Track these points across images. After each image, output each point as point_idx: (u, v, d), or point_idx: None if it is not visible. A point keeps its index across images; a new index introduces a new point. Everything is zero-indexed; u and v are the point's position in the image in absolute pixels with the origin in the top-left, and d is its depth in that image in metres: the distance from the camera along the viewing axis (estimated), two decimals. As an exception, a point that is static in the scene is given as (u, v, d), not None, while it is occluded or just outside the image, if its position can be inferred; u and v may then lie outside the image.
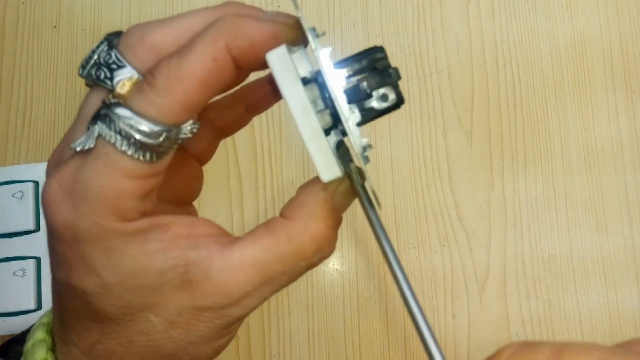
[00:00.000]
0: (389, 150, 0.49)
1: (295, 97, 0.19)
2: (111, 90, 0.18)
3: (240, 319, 0.21)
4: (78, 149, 0.18)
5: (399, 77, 0.20)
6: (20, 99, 0.49)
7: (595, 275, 0.47)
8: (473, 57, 0.51)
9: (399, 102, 0.20)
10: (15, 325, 0.42)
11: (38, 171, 0.44)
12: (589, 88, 0.50)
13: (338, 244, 0.47)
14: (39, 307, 0.42)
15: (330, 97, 0.19)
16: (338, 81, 0.19)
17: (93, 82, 0.19)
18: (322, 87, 0.19)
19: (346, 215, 0.47)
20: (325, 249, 0.21)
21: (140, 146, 0.17)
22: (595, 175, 0.49)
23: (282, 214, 0.21)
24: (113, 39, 0.19)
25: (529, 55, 0.51)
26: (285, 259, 0.20)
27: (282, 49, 0.19)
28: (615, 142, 0.49)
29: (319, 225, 0.20)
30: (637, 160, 0.49)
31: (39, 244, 0.42)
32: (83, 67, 0.19)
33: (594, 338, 0.46)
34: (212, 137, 0.25)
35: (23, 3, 0.50)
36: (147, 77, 0.18)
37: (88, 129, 0.18)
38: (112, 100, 0.18)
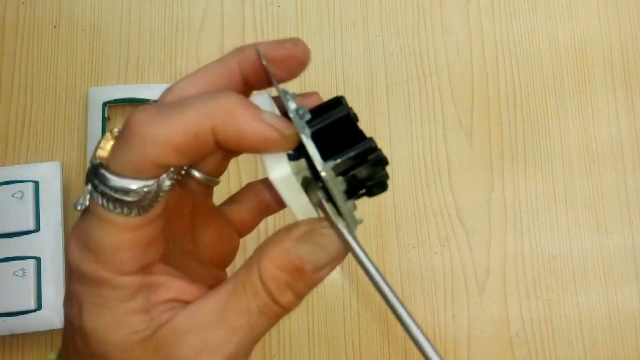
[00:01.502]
0: (389, 150, 0.49)
1: (301, 208, 0.20)
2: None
3: None
4: (78, 208, 0.19)
5: (387, 163, 0.21)
6: (20, 99, 0.49)
7: (595, 275, 0.47)
8: (473, 57, 0.51)
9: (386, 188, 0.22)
10: (15, 326, 0.42)
11: (38, 171, 0.44)
12: (589, 88, 0.50)
13: (338, 244, 0.47)
14: (39, 307, 0.42)
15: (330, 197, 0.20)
16: (338, 187, 0.20)
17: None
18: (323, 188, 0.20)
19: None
20: (275, 291, 0.20)
21: (124, 203, 0.18)
22: (595, 175, 0.49)
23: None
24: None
25: (529, 55, 0.51)
26: (238, 292, 0.20)
27: (286, 171, 0.19)
28: (615, 142, 0.49)
29: (265, 261, 0.19)
30: (637, 160, 0.49)
31: (39, 244, 0.42)
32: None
33: (594, 338, 0.46)
34: (256, 213, 0.27)
35: (23, 3, 0.50)
36: (123, 132, 0.18)
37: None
38: (95, 162, 0.19)
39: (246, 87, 0.22)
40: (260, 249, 0.20)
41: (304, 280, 0.21)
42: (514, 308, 0.46)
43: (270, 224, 0.47)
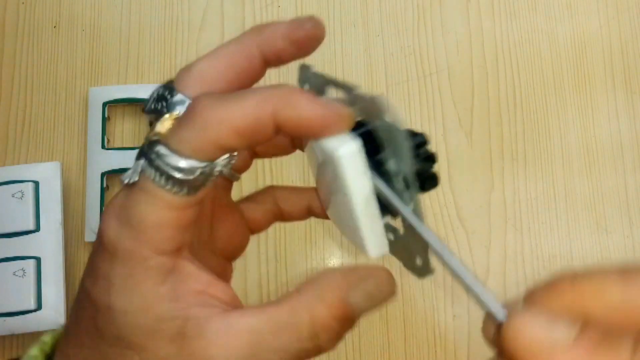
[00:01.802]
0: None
1: (362, 191, 0.20)
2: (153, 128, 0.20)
3: None
4: (125, 182, 0.19)
5: (435, 160, 0.22)
6: (20, 99, 0.49)
7: (595, 275, 0.47)
8: (473, 57, 0.51)
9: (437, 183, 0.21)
10: (15, 326, 0.42)
11: (38, 171, 0.44)
12: (589, 88, 0.50)
13: (338, 244, 0.47)
14: (39, 307, 0.42)
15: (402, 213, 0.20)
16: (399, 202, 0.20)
17: (154, 116, 0.21)
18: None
19: (346, 215, 0.47)
20: (322, 338, 0.19)
21: (176, 181, 0.18)
22: (595, 175, 0.49)
23: (296, 288, 0.20)
24: (171, 81, 0.21)
25: (529, 55, 0.51)
26: (280, 332, 0.19)
27: (356, 146, 0.19)
28: (615, 142, 0.49)
29: (322, 309, 0.19)
30: (637, 160, 0.49)
31: (39, 244, 0.42)
32: (146, 102, 0.21)
33: (594, 338, 0.46)
34: (270, 216, 0.27)
35: (23, 3, 0.50)
36: (188, 112, 0.19)
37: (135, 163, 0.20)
38: (153, 138, 0.19)
39: (264, 67, 0.22)
40: (315, 291, 0.19)
41: (348, 327, 0.20)
42: (514, 308, 0.46)
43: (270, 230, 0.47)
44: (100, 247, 0.20)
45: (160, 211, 0.19)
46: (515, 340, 0.14)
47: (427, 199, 0.48)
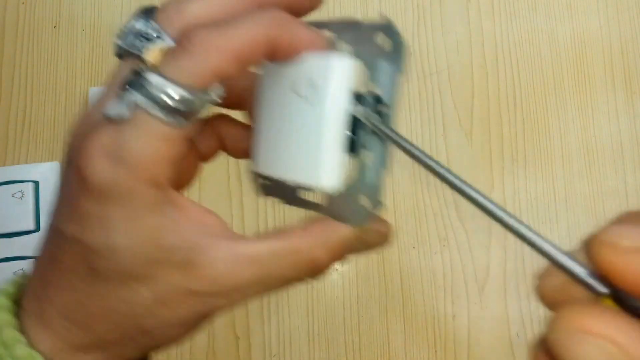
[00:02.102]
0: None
1: (340, 109, 0.20)
2: (141, 59, 0.19)
3: (219, 311, 0.21)
4: (112, 114, 0.18)
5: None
6: (20, 99, 0.49)
7: (595, 275, 0.47)
8: (473, 57, 0.51)
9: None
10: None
11: (38, 171, 0.44)
12: (589, 88, 0.50)
13: (338, 244, 0.47)
14: (39, 307, 0.42)
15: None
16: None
17: (126, 53, 0.20)
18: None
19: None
20: (316, 274, 0.21)
21: (172, 111, 0.18)
22: (595, 175, 0.49)
23: (304, 224, 0.21)
24: (150, 12, 0.20)
25: (529, 55, 0.51)
26: (281, 263, 0.20)
27: (351, 62, 0.20)
28: (615, 142, 0.49)
29: (323, 254, 0.21)
30: (637, 160, 0.49)
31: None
32: (120, 37, 0.20)
33: (594, 338, 0.46)
34: (217, 146, 0.26)
35: (23, 3, 0.50)
36: (182, 42, 0.19)
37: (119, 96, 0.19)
38: (143, 68, 0.19)
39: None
40: (321, 235, 0.21)
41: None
42: (514, 308, 0.46)
43: (270, 225, 0.47)
44: (84, 189, 0.19)
45: (157, 144, 0.18)
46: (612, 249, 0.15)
47: (428, 198, 0.48)
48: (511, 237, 0.51)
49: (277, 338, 0.46)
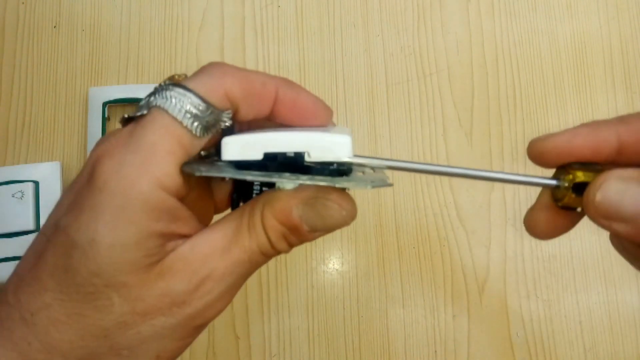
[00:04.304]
0: (389, 150, 0.49)
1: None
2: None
3: (197, 321, 0.20)
4: (138, 113, 0.20)
5: None
6: (20, 99, 0.49)
7: (595, 275, 0.47)
8: (473, 57, 0.51)
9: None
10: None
11: (38, 171, 0.44)
12: (589, 88, 0.50)
13: (338, 244, 0.47)
14: (39, 307, 0.42)
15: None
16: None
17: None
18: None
19: (346, 215, 0.47)
20: (273, 239, 0.21)
21: (190, 116, 0.19)
22: (595, 175, 0.49)
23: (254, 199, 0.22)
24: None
25: (529, 55, 0.51)
26: (242, 235, 0.21)
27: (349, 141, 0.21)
28: (615, 142, 0.49)
29: (269, 213, 0.21)
30: (637, 160, 0.49)
31: (39, 244, 0.42)
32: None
33: (593, 338, 0.46)
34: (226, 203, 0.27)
35: (23, 3, 0.50)
36: (201, 70, 0.21)
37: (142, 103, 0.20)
38: (167, 82, 0.20)
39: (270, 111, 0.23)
40: (266, 200, 0.21)
41: (298, 236, 0.21)
42: (514, 308, 0.46)
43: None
44: (89, 182, 0.19)
45: (172, 141, 0.19)
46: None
47: (428, 198, 0.48)
48: (511, 237, 0.51)
49: (277, 338, 0.46)
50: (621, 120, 0.21)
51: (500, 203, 0.48)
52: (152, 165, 0.19)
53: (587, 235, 0.47)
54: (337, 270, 0.47)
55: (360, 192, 0.47)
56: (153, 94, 0.20)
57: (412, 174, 0.48)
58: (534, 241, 0.47)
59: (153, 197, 0.19)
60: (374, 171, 0.22)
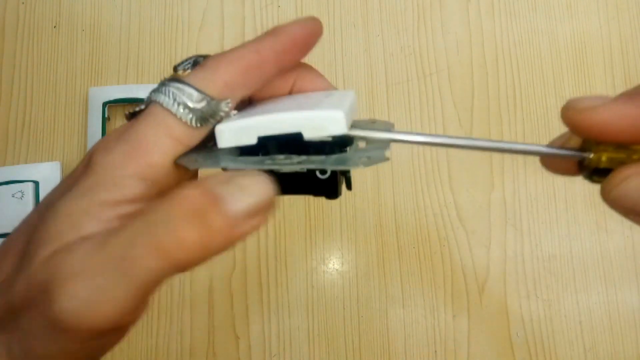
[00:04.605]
0: (389, 150, 0.49)
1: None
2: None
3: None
4: (138, 109, 0.21)
5: None
6: (20, 99, 0.49)
7: (595, 275, 0.47)
8: (473, 57, 0.51)
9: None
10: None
11: (38, 171, 0.44)
12: (589, 88, 0.50)
13: (338, 244, 0.47)
14: (39, 307, 0.42)
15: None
16: None
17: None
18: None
19: (346, 215, 0.47)
20: (200, 215, 0.17)
21: (184, 107, 0.20)
22: (595, 175, 0.49)
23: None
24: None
25: (529, 55, 0.51)
26: (168, 206, 0.17)
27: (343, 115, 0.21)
28: (615, 142, 0.49)
29: (191, 189, 0.18)
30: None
31: (39, 244, 0.42)
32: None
33: (593, 338, 0.46)
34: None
35: (23, 3, 0.50)
36: (204, 63, 0.21)
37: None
38: (168, 78, 0.21)
39: (277, 73, 0.23)
40: (180, 187, 0.18)
41: (218, 220, 0.17)
42: (514, 308, 0.46)
43: (270, 224, 0.47)
44: (85, 168, 0.20)
45: (161, 132, 0.20)
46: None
47: (428, 198, 0.48)
48: (511, 237, 0.51)
49: (277, 338, 0.46)
50: None
51: (500, 203, 0.48)
52: (137, 156, 0.19)
53: (587, 235, 0.47)
54: (337, 270, 0.47)
55: (360, 192, 0.47)
56: (154, 90, 0.21)
57: (412, 174, 0.48)
58: (534, 241, 0.48)
59: (127, 185, 0.19)
60: (375, 141, 0.22)
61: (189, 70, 0.22)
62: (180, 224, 0.16)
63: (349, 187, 0.23)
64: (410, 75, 0.50)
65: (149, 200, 0.19)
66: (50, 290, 0.17)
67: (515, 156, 0.49)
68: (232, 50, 0.21)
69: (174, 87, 0.20)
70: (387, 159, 0.20)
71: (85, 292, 0.17)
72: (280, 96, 0.24)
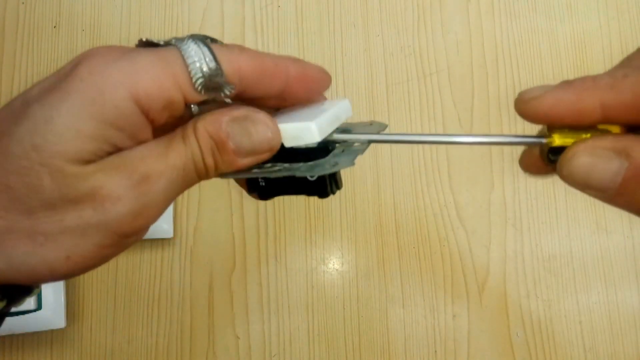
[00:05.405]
0: (389, 150, 0.49)
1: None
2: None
3: (124, 227, 0.20)
4: (155, 41, 0.21)
5: None
6: (20, 99, 0.49)
7: (595, 275, 0.47)
8: (473, 57, 0.51)
9: None
10: (15, 326, 0.42)
11: (38, 171, 0.44)
12: (589, 88, 0.50)
13: (338, 244, 0.47)
14: (39, 307, 0.42)
15: None
16: None
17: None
18: None
19: (346, 215, 0.47)
20: (204, 150, 0.21)
21: (198, 67, 0.20)
22: (595, 175, 0.49)
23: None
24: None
25: (529, 55, 0.51)
26: (179, 150, 0.21)
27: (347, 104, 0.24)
28: (615, 142, 0.49)
29: (201, 127, 0.21)
30: (637, 160, 0.49)
31: (39, 244, 0.42)
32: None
33: (594, 338, 0.46)
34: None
35: (23, 3, 0.50)
36: (227, 44, 0.22)
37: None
38: (197, 35, 0.21)
39: (281, 90, 0.24)
40: (202, 115, 0.21)
41: (224, 156, 0.22)
42: (514, 308, 0.46)
43: (270, 224, 0.47)
44: (72, 71, 0.21)
45: (168, 73, 0.20)
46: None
47: (428, 198, 0.48)
48: (511, 237, 0.50)
49: (277, 338, 0.46)
50: (610, 84, 0.20)
51: (500, 203, 0.48)
52: (138, 79, 0.19)
53: (587, 235, 0.47)
54: (337, 270, 0.47)
55: (360, 192, 0.47)
56: (179, 38, 0.21)
57: (412, 174, 0.48)
58: (534, 241, 0.48)
59: (123, 106, 0.19)
60: (358, 144, 0.23)
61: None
62: (204, 154, 0.21)
63: (337, 187, 0.24)
64: (410, 75, 0.50)
65: (131, 126, 0.20)
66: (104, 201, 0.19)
67: (515, 157, 0.49)
68: (255, 50, 0.22)
69: (201, 46, 0.20)
70: (354, 164, 0.22)
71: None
72: (283, 109, 0.25)
